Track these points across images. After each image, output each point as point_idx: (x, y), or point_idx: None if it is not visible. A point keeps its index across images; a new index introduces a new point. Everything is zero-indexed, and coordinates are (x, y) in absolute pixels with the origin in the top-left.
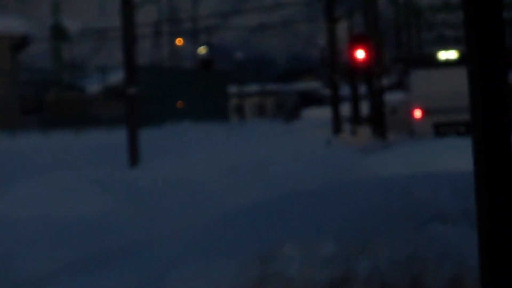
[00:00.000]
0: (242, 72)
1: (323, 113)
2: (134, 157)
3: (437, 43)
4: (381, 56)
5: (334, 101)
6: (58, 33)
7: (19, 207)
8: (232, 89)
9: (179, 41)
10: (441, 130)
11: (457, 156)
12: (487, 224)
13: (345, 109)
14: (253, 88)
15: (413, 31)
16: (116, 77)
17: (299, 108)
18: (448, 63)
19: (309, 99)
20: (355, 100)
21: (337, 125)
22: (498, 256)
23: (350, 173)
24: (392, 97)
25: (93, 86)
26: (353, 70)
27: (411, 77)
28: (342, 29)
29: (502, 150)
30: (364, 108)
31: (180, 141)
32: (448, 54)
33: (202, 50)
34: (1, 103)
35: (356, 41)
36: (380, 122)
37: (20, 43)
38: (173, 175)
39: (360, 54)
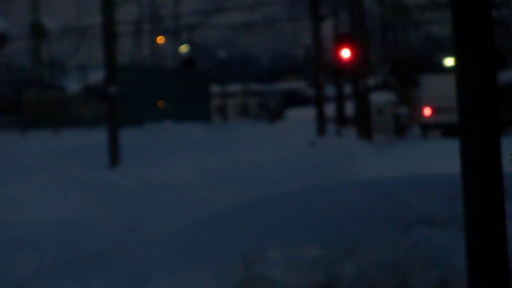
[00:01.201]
0: (225, 71)
1: (307, 113)
2: (114, 158)
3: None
4: (367, 55)
5: (319, 102)
6: (37, 31)
7: None
8: (215, 88)
9: (160, 40)
10: (446, 130)
11: (446, 159)
12: (475, 228)
13: (330, 110)
14: (236, 87)
15: (400, 30)
16: (96, 76)
17: (283, 108)
18: (453, 69)
19: (293, 99)
20: (340, 101)
21: (321, 126)
22: (485, 260)
23: (335, 175)
24: (378, 98)
25: (73, 86)
26: (339, 69)
27: (422, 81)
28: (327, 27)
29: (490, 153)
30: (350, 108)
31: (161, 142)
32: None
33: (183, 48)
34: None
35: (342, 40)
36: (365, 123)
37: None
38: (154, 177)
39: (345, 53)
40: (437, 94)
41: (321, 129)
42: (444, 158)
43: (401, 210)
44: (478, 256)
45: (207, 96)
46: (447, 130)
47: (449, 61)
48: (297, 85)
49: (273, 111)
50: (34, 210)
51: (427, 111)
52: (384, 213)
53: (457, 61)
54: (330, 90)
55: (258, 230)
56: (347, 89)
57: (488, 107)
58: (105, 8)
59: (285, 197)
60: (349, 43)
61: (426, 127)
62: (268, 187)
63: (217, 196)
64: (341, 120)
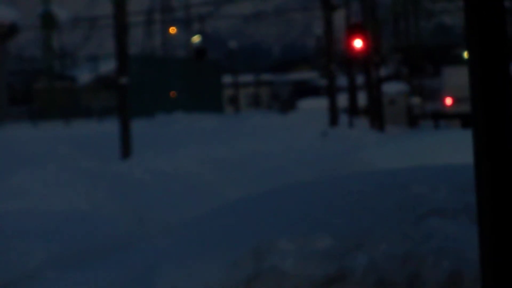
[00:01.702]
0: (236, 61)
1: (319, 104)
2: (126, 149)
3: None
4: (379, 45)
5: (331, 92)
6: (48, 22)
7: (8, 199)
8: (226, 79)
9: (172, 30)
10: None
11: (458, 149)
12: (488, 219)
13: (342, 100)
14: (247, 78)
15: (411, 20)
16: (107, 66)
17: (295, 99)
18: None
19: (305, 90)
20: (352, 91)
21: (333, 117)
22: (499, 250)
23: (346, 166)
24: (390, 88)
25: (84, 76)
26: (350, 59)
27: (444, 73)
28: (339, 17)
29: (503, 144)
30: (362, 99)
31: (173, 132)
32: None
33: (195, 39)
34: None
35: (354, 30)
36: (377, 113)
37: (8, 31)
38: (166, 167)
39: (357, 43)
40: (458, 84)
41: (333, 120)
42: (456, 149)
43: (413, 201)
44: (491, 247)
45: (219, 87)
46: (465, 121)
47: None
48: (309, 75)
49: (284, 102)
50: (44, 200)
51: (448, 101)
52: (396, 204)
53: (469, 51)
54: (342, 80)
55: (269, 221)
56: (359, 79)
57: (501, 97)
58: None
59: (296, 188)
60: (361, 33)
61: (439, 117)
62: (279, 178)
63: (228, 186)
64: (353, 110)
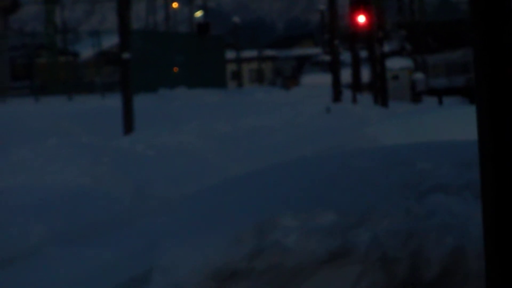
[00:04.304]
0: (239, 37)
1: (322, 79)
2: (128, 124)
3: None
4: (383, 21)
5: (334, 68)
6: None
7: (9, 174)
8: (229, 54)
9: (175, 5)
10: None
11: (462, 126)
12: (491, 195)
13: (346, 76)
14: (250, 53)
15: None
16: (110, 41)
17: (298, 74)
18: None
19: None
20: (355, 67)
21: (336, 92)
22: (502, 226)
23: (350, 141)
24: (393, 64)
25: (86, 51)
26: (354, 35)
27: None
28: None
29: (507, 119)
30: (365, 74)
31: (175, 108)
32: None
33: (198, 14)
34: None
35: (357, 5)
36: (381, 89)
37: (10, 6)
38: (168, 143)
39: (361, 18)
40: None
41: (336, 95)
42: (460, 125)
43: (416, 177)
44: (494, 223)
45: (222, 62)
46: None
47: None
48: (312, 51)
49: (288, 77)
50: (45, 176)
51: None
52: (399, 180)
53: (473, 26)
54: (345, 56)
55: (271, 197)
56: (363, 55)
57: (507, 73)
58: None
59: (299, 164)
60: (365, 8)
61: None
62: (282, 153)
63: (231, 162)
64: (357, 86)
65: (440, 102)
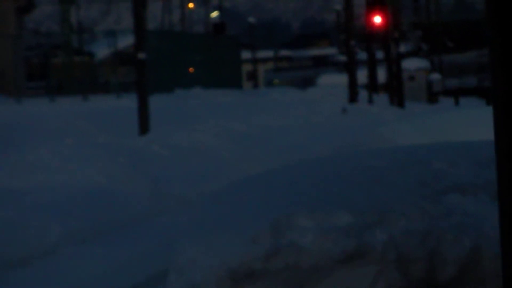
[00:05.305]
0: (255, 37)
1: (339, 79)
2: (144, 124)
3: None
4: (399, 21)
5: (350, 68)
6: None
7: (26, 174)
8: (245, 54)
9: (190, 5)
10: None
11: (479, 126)
12: (508, 195)
13: (361, 76)
14: (266, 53)
15: None
16: (125, 41)
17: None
18: None
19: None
20: (371, 67)
21: (353, 93)
22: None
23: (366, 142)
24: (410, 64)
25: (102, 51)
26: (370, 35)
27: None
28: None
29: None
30: (381, 75)
31: (191, 108)
32: None
33: (214, 14)
34: (7, 68)
35: (373, 5)
36: (397, 90)
37: (26, 5)
38: (184, 143)
39: (377, 19)
40: None
41: (352, 96)
42: (477, 126)
43: (433, 177)
44: (511, 223)
45: (238, 62)
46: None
47: None
48: (328, 51)
49: (304, 78)
50: (61, 175)
51: None
52: (415, 180)
53: (490, 26)
54: (361, 56)
55: (287, 197)
56: (379, 55)
57: None
58: None
59: (315, 163)
60: (381, 8)
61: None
62: (298, 153)
63: (247, 161)
64: (373, 86)
65: (457, 103)
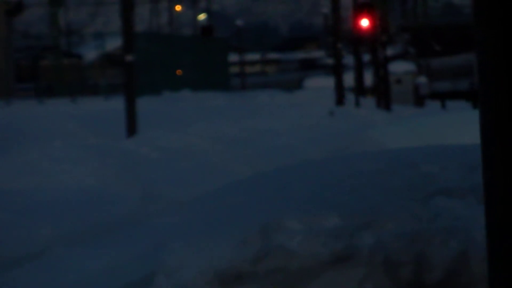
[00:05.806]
0: (243, 40)
1: (326, 82)
2: (131, 126)
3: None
4: (386, 24)
5: (337, 71)
6: None
7: (16, 176)
8: (234, 57)
9: (178, 8)
10: None
11: (466, 129)
12: (494, 199)
13: (349, 79)
14: (254, 56)
15: None
16: (114, 44)
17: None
18: None
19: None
20: (359, 70)
21: (340, 96)
22: (505, 231)
23: (355, 144)
24: (397, 68)
25: (90, 53)
26: (357, 38)
27: None
28: None
29: (510, 125)
30: (368, 78)
31: (179, 110)
32: None
33: (202, 17)
34: None
35: (361, 9)
36: (384, 93)
37: (15, 8)
38: (172, 145)
39: (364, 22)
40: None
41: (339, 99)
42: (464, 129)
43: (421, 180)
44: (497, 227)
45: (226, 64)
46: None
47: None
48: (316, 54)
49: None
50: (51, 177)
51: None
52: (404, 183)
53: (476, 29)
54: (349, 59)
55: (276, 200)
56: (366, 58)
57: (509, 74)
58: None
59: (304, 166)
60: (368, 12)
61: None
62: (286, 156)
63: (235, 164)
64: (360, 89)
65: (443, 106)
